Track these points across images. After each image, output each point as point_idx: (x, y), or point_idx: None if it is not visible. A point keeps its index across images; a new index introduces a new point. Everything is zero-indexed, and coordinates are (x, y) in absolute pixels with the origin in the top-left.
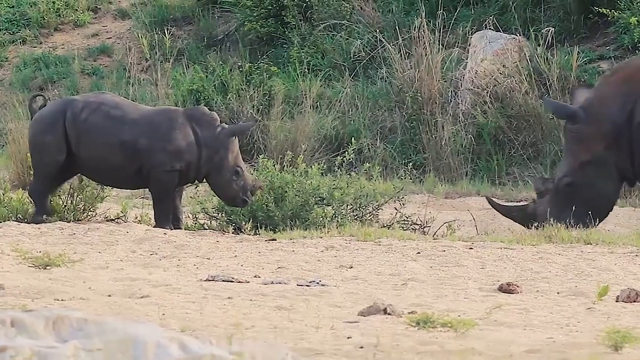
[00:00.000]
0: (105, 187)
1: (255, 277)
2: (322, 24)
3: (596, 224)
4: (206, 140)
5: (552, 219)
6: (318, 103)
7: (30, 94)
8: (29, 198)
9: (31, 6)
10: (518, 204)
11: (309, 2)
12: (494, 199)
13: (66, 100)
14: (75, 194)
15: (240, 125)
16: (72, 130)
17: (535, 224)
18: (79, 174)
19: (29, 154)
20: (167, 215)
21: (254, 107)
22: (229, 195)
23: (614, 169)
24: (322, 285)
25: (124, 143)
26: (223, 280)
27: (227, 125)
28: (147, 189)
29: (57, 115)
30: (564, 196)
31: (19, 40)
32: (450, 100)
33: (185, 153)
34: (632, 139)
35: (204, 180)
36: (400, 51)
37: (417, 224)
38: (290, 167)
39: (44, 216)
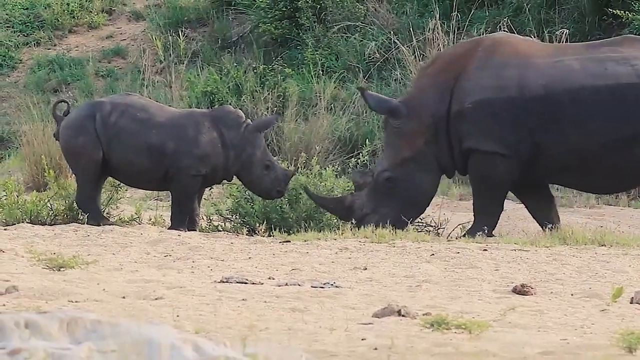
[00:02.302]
0: (119, 189)
1: (269, 278)
2: (336, 25)
3: (413, 219)
4: (232, 140)
5: (367, 213)
6: (332, 105)
7: (44, 96)
8: (79, 209)
9: (45, 8)
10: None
11: (323, 4)
12: (310, 189)
13: (93, 103)
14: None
15: (263, 121)
16: (102, 134)
17: (353, 218)
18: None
19: (43, 156)
20: (183, 218)
21: (268, 108)
22: (262, 190)
23: (435, 163)
24: (337, 287)
25: (151, 146)
26: (237, 282)
27: (250, 122)
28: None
29: (86, 118)
30: (382, 191)
31: (33, 42)
32: None
33: (211, 157)
34: (450, 131)
35: (232, 179)
36: (415, 53)
37: (431, 226)
38: (305, 169)
39: (100, 223)
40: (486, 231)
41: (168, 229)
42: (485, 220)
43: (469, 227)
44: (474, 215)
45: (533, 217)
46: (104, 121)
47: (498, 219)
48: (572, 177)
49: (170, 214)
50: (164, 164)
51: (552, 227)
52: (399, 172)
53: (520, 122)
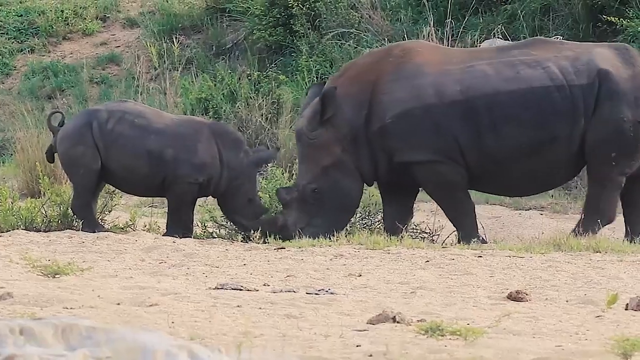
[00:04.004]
0: (114, 196)
1: (264, 285)
2: (330, 32)
3: (344, 225)
4: (229, 160)
5: (302, 228)
6: None
7: (38, 103)
8: (74, 216)
9: (39, 15)
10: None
11: (317, 11)
12: None
13: (89, 111)
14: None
15: (264, 156)
16: (100, 141)
17: (289, 236)
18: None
19: (37, 163)
20: (179, 225)
21: (262, 115)
22: (236, 219)
23: (354, 169)
24: (331, 293)
25: (150, 152)
26: (232, 289)
27: (250, 149)
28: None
29: (83, 127)
30: (311, 203)
31: (27, 49)
32: None
33: (209, 167)
34: (372, 144)
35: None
36: None
37: (426, 232)
38: None
39: (95, 230)
40: (480, 238)
41: (163, 235)
42: (464, 223)
43: (459, 236)
44: (451, 222)
45: (384, 216)
46: (102, 129)
47: (475, 215)
48: (489, 183)
49: (165, 220)
50: (162, 170)
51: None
52: (324, 182)
53: (443, 128)
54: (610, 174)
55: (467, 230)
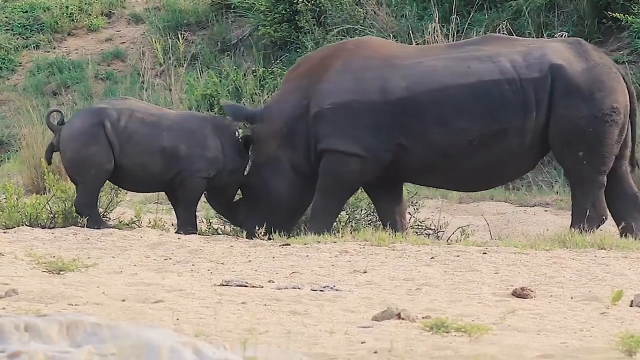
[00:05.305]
0: (119, 192)
1: (269, 282)
2: (335, 28)
3: (287, 223)
4: (231, 154)
5: (244, 221)
6: None
7: (43, 99)
8: (77, 213)
9: (45, 11)
10: None
11: (322, 7)
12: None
13: (97, 110)
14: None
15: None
16: (114, 140)
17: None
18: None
19: (42, 160)
20: (189, 221)
21: None
22: (233, 211)
23: (288, 166)
24: (336, 290)
25: (164, 149)
26: (237, 285)
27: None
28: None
29: (95, 126)
30: (248, 198)
31: (32, 45)
32: None
33: (218, 161)
34: (308, 133)
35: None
36: None
37: (431, 229)
38: None
39: (100, 226)
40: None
41: (175, 232)
42: (324, 218)
43: (310, 225)
44: (312, 212)
45: (380, 216)
46: (114, 127)
47: (336, 219)
48: (439, 177)
49: (170, 217)
50: (175, 166)
51: (394, 226)
52: (253, 178)
53: (381, 125)
54: (585, 174)
55: (319, 227)
